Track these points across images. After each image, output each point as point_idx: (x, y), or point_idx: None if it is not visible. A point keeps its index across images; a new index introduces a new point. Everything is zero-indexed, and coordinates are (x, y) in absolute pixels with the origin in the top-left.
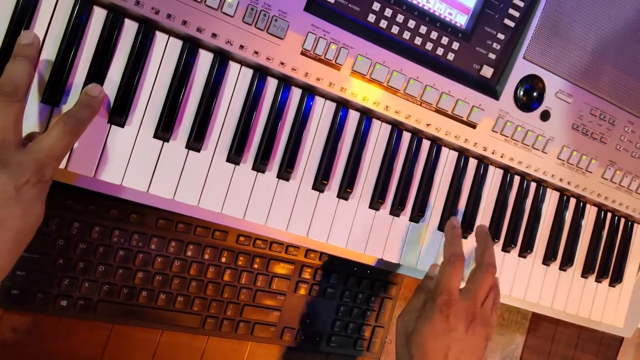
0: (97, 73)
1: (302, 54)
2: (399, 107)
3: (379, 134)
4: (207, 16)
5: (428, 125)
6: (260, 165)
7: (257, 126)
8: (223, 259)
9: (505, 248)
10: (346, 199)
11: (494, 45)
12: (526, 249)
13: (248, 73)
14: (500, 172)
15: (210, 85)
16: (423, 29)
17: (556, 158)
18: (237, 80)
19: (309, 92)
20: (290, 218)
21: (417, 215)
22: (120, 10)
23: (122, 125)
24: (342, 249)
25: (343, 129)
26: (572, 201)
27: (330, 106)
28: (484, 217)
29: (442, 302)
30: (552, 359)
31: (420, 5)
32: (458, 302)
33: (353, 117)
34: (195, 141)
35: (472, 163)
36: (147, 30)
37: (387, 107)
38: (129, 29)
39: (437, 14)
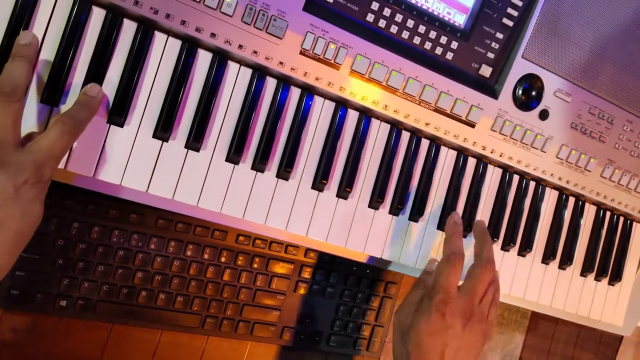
0: (96, 73)
1: (301, 53)
2: (398, 107)
3: (378, 133)
4: (206, 16)
5: (427, 124)
6: (259, 164)
7: (256, 126)
8: (222, 259)
9: (505, 247)
10: (345, 198)
11: (493, 44)
12: (525, 248)
13: (247, 73)
14: (499, 171)
15: (209, 84)
16: (422, 29)
17: (555, 157)
18: (236, 79)
19: (308, 92)
20: (289, 217)
21: (416, 214)
22: (119, 10)
23: (122, 125)
24: (342, 248)
25: (342, 128)
26: (571, 200)
27: (329, 105)
28: (483, 216)
29: (439, 301)
30: (552, 358)
31: (419, 4)
32: (455, 300)
33: (352, 116)
34: (195, 141)
35: (471, 162)
36: (146, 30)
37: (386, 106)
38: (128, 28)
39: (435, 13)
